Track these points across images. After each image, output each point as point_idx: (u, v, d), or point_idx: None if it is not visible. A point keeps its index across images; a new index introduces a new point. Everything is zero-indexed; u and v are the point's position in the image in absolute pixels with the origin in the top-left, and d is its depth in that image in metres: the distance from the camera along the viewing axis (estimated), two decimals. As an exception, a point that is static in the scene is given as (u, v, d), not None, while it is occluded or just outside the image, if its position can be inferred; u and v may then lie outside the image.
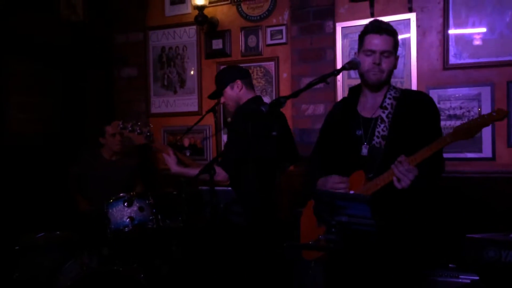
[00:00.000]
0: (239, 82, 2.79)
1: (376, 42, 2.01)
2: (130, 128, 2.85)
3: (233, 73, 2.86)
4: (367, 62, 2.03)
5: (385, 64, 2.02)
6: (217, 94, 2.91)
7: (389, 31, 2.03)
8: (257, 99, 2.79)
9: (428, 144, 1.82)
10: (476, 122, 1.75)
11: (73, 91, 4.23)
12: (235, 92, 2.79)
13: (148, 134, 2.81)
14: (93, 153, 3.81)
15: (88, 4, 4.33)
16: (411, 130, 1.99)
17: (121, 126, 2.89)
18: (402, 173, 1.80)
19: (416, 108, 2.03)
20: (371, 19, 2.15)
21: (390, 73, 2.07)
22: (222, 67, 4.12)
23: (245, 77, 2.85)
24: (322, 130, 2.35)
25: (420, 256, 2.13)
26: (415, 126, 1.99)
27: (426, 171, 1.87)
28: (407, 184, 1.80)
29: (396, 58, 2.08)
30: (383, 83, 2.07)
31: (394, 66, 2.08)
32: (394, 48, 2.04)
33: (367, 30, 2.06)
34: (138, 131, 2.83)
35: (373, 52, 2.01)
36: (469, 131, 1.76)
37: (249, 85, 2.86)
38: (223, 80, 2.84)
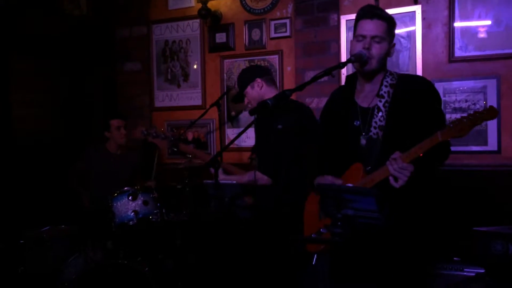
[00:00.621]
0: (258, 80, 2.76)
1: (367, 27, 1.96)
2: (154, 134, 2.86)
3: (251, 72, 2.83)
4: (357, 47, 1.98)
5: (375, 50, 1.95)
6: (240, 96, 2.89)
7: (381, 16, 1.97)
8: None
9: (419, 142, 1.77)
10: (468, 121, 1.71)
11: (76, 87, 4.23)
12: (256, 91, 2.77)
13: (172, 139, 2.83)
14: (97, 148, 3.82)
15: (92, -2, 4.33)
16: (410, 119, 1.94)
17: (144, 132, 2.91)
18: (398, 171, 1.77)
19: (413, 94, 1.97)
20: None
21: (382, 59, 2.00)
22: (225, 60, 4.12)
23: (265, 74, 2.82)
24: (321, 121, 2.31)
25: (424, 249, 2.11)
26: (414, 114, 1.94)
27: (425, 163, 1.82)
28: (404, 181, 1.77)
29: (391, 45, 2.01)
30: (376, 71, 2.01)
31: (388, 53, 2.01)
32: (387, 34, 1.98)
33: (359, 16, 2.02)
34: (162, 136, 2.84)
35: (364, 37, 1.96)
36: (461, 129, 1.71)
37: (271, 82, 2.82)
38: (242, 81, 2.82)
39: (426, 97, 1.97)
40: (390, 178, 1.80)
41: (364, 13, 1.99)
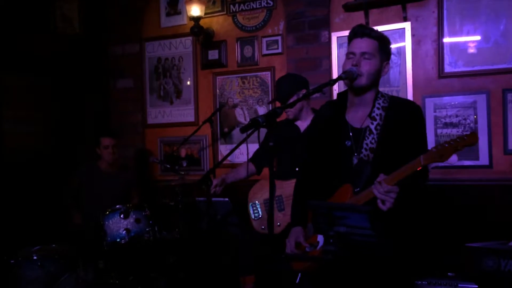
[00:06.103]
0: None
1: (357, 44, 2.01)
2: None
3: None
4: (347, 65, 2.01)
5: (364, 66, 1.96)
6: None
7: (371, 35, 2.00)
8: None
9: (402, 166, 1.82)
10: (450, 146, 1.76)
11: (70, 104, 4.22)
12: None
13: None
14: (90, 166, 3.80)
15: (84, 17, 4.34)
16: (399, 142, 1.97)
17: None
18: (383, 195, 1.80)
19: (404, 119, 2.00)
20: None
21: (372, 76, 1.99)
22: (218, 77, 4.14)
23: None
24: (308, 138, 2.30)
25: (417, 265, 2.11)
26: (403, 138, 1.97)
27: (409, 184, 1.85)
28: (391, 204, 1.80)
29: (383, 64, 2.02)
30: (366, 88, 2.01)
31: (379, 70, 2.02)
32: (377, 52, 2.00)
33: (350, 36, 2.06)
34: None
35: (354, 54, 2.00)
36: (442, 155, 1.77)
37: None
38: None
39: (415, 123, 2.02)
40: (378, 201, 1.83)
41: (355, 33, 2.04)
